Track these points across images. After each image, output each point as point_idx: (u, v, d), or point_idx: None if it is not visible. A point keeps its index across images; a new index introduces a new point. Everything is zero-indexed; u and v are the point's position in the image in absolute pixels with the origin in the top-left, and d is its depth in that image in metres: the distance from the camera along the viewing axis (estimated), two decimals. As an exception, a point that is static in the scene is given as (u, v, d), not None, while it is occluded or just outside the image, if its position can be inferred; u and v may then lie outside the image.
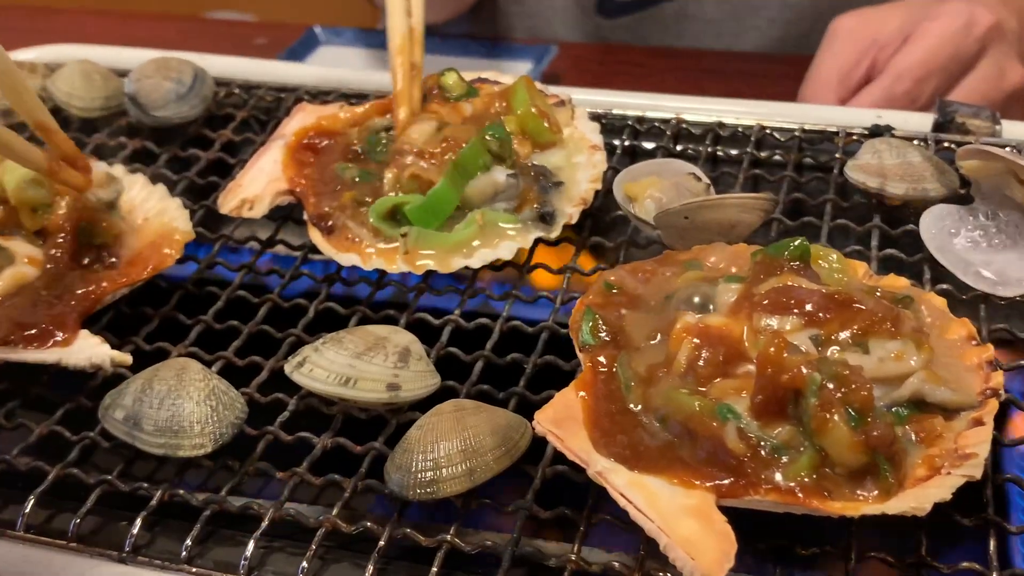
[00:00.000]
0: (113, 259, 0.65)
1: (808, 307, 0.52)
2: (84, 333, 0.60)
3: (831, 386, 0.48)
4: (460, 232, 0.65)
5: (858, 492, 0.48)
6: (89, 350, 0.58)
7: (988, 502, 0.51)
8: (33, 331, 0.58)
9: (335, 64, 1.23)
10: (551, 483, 0.54)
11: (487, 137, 0.67)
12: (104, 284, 0.62)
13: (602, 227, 0.72)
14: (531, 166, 0.70)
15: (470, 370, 0.61)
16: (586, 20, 1.34)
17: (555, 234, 0.67)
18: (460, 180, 0.66)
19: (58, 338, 0.58)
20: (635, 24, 1.33)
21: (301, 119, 0.77)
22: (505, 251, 0.65)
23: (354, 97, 0.85)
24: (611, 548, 0.55)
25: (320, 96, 0.85)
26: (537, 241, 0.67)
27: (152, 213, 0.70)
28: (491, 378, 0.60)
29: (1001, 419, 0.57)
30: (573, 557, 0.49)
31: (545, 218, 0.67)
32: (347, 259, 0.66)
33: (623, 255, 0.68)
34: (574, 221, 0.68)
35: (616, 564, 0.49)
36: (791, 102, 1.01)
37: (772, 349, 0.49)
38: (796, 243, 0.55)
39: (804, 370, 0.48)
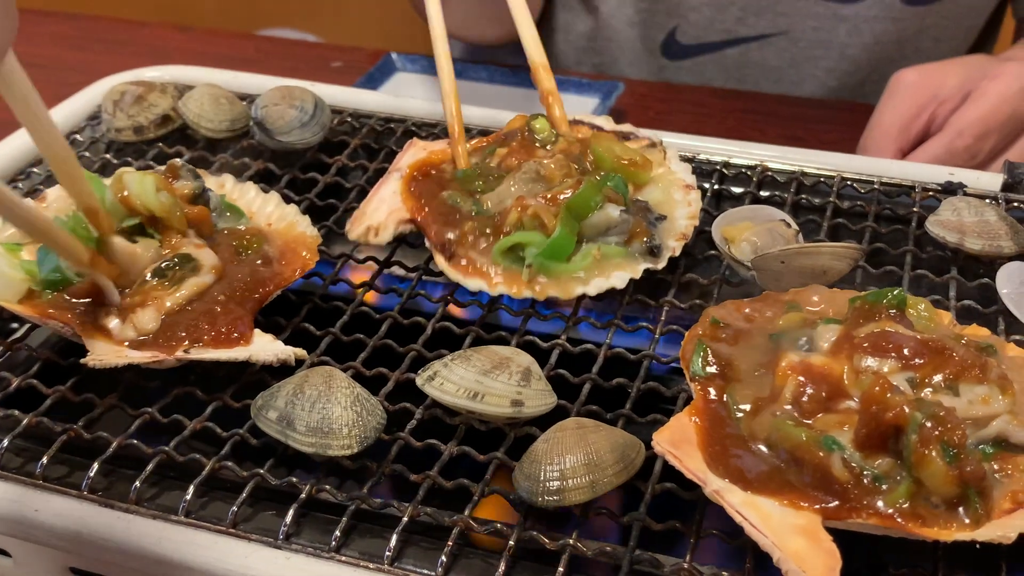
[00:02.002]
0: (263, 260, 0.71)
1: (905, 351, 0.58)
2: (258, 332, 0.66)
3: (929, 425, 0.53)
4: (578, 264, 0.71)
5: (950, 521, 0.53)
6: (270, 347, 0.65)
7: (1063, 536, 0.56)
8: (223, 331, 0.64)
9: (412, 91, 1.29)
10: (658, 498, 0.59)
11: (608, 185, 0.73)
12: (268, 288, 0.69)
13: (692, 264, 0.78)
14: (636, 202, 0.76)
15: (578, 391, 0.66)
16: (651, 61, 1.40)
17: (662, 265, 0.73)
18: (575, 223, 0.72)
19: (238, 338, 0.65)
20: (697, 67, 1.39)
21: (413, 153, 0.83)
22: (617, 280, 0.71)
23: (457, 130, 0.91)
24: (703, 562, 0.60)
25: (425, 128, 0.91)
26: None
27: (274, 218, 0.76)
28: (596, 399, 0.66)
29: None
30: (686, 566, 0.55)
31: (653, 251, 0.73)
32: (473, 284, 0.71)
33: (717, 292, 0.73)
34: (677, 254, 0.74)
35: (725, 574, 0.55)
36: (848, 149, 1.06)
37: (877, 389, 0.54)
38: (895, 292, 0.61)
39: (906, 409, 0.53)
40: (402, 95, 0.96)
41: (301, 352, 0.67)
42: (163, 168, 0.73)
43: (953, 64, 1.06)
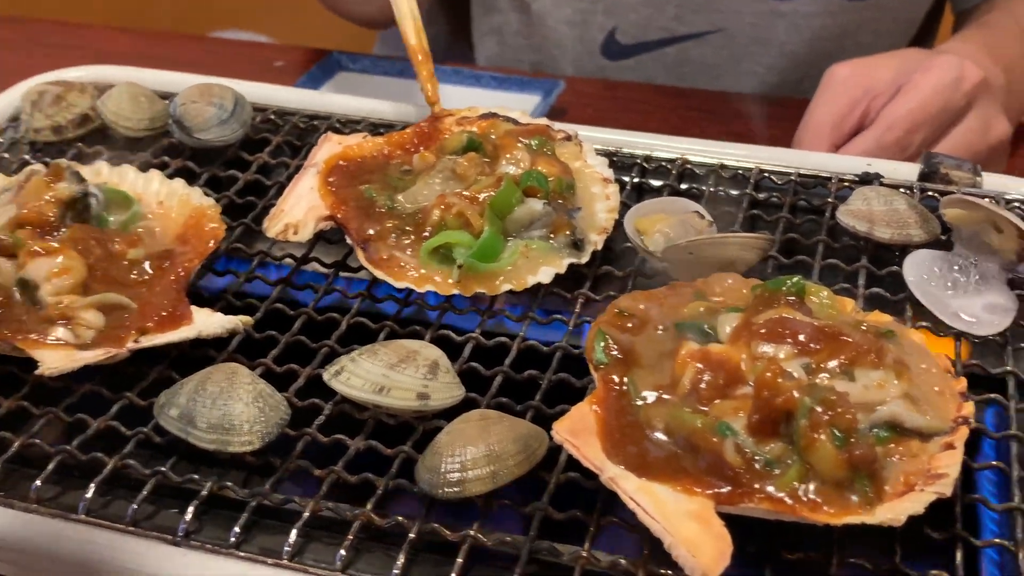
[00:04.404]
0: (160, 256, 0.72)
1: (801, 337, 0.58)
2: (195, 308, 0.67)
3: (819, 409, 0.54)
4: (507, 262, 0.72)
5: (841, 504, 0.53)
6: (212, 319, 0.66)
7: (957, 519, 0.57)
8: (164, 315, 0.66)
9: (354, 90, 1.29)
10: (563, 488, 0.60)
11: (530, 184, 0.73)
12: (188, 263, 0.70)
13: (609, 258, 0.78)
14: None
15: (489, 383, 0.66)
16: (590, 61, 1.40)
17: (585, 259, 0.73)
18: (500, 222, 0.72)
19: (180, 317, 0.66)
20: (637, 66, 1.39)
21: (328, 148, 0.82)
22: (544, 276, 0.72)
23: (382, 127, 0.91)
24: (614, 551, 0.60)
25: (350, 125, 0.91)
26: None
27: (163, 195, 0.76)
28: (509, 392, 0.66)
29: (973, 446, 0.63)
30: (584, 554, 0.55)
31: (577, 244, 0.73)
32: (401, 284, 0.71)
33: (631, 284, 0.74)
34: (599, 248, 0.74)
35: (623, 561, 0.55)
36: (786, 145, 1.07)
37: (768, 375, 0.55)
38: (793, 280, 0.61)
39: (796, 394, 0.54)
40: (344, 94, 0.95)
41: (247, 319, 0.68)
42: (47, 169, 0.73)
43: (887, 58, 1.06)
